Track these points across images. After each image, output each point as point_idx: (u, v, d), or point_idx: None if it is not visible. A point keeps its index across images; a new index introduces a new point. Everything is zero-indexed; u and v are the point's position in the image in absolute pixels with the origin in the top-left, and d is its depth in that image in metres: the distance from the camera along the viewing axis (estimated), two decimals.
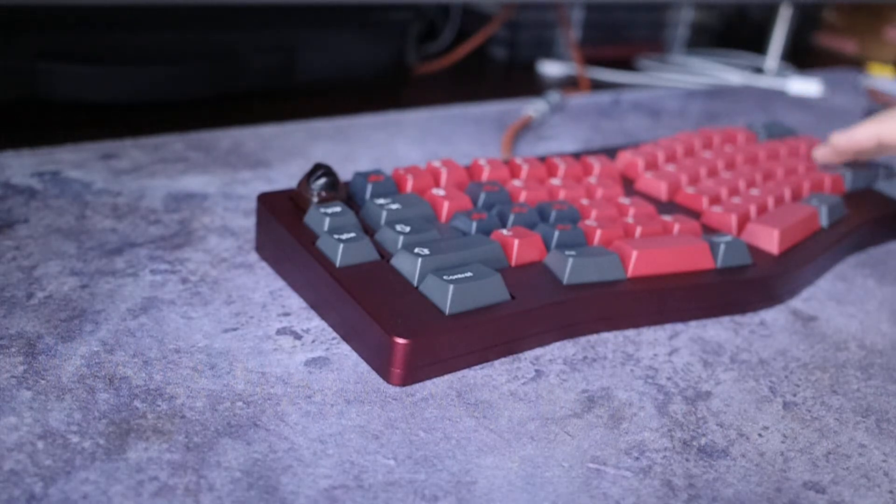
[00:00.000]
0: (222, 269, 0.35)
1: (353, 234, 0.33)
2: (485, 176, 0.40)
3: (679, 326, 0.35)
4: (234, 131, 0.51)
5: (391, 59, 0.65)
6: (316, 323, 0.32)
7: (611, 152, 0.47)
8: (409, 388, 0.29)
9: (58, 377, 0.28)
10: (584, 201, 0.39)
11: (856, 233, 0.43)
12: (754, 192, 0.43)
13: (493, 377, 0.30)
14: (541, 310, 0.32)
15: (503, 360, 0.31)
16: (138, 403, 0.27)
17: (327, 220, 0.34)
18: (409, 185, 0.38)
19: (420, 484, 0.25)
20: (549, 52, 0.81)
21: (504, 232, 0.34)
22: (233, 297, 0.34)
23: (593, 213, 0.38)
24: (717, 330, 0.35)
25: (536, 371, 0.31)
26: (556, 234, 0.35)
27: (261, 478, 0.25)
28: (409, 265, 0.32)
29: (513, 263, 0.34)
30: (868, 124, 0.47)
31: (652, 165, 0.45)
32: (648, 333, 0.34)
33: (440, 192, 0.37)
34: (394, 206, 0.35)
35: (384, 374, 0.29)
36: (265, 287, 0.35)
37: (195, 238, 0.38)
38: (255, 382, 0.29)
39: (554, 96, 0.62)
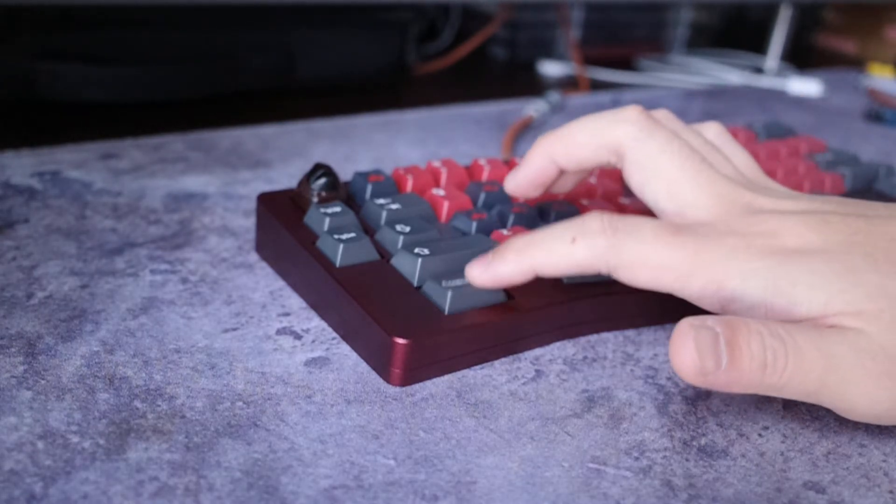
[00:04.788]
0: (222, 269, 0.35)
1: (353, 234, 0.33)
2: (485, 176, 0.40)
3: None
4: (234, 131, 0.51)
5: (391, 59, 0.65)
6: (316, 323, 0.32)
7: None
8: (409, 388, 0.29)
9: (58, 377, 0.28)
10: (584, 201, 0.39)
11: None
12: None
13: (493, 377, 0.30)
14: (541, 310, 0.32)
15: (503, 360, 0.31)
16: (138, 403, 0.27)
17: (327, 220, 0.34)
18: (409, 185, 0.38)
19: (420, 484, 0.25)
20: (549, 52, 0.81)
21: (504, 232, 0.34)
22: (233, 297, 0.34)
23: None
24: None
25: (536, 371, 0.31)
26: None
27: (261, 478, 0.25)
28: (409, 265, 0.32)
29: None
30: (535, 148, 0.34)
31: None
32: (648, 333, 0.34)
33: (440, 192, 0.37)
34: (394, 206, 0.35)
35: (384, 374, 0.29)
36: (265, 287, 0.35)
37: (195, 238, 0.38)
38: (255, 382, 0.29)
39: (554, 96, 0.62)
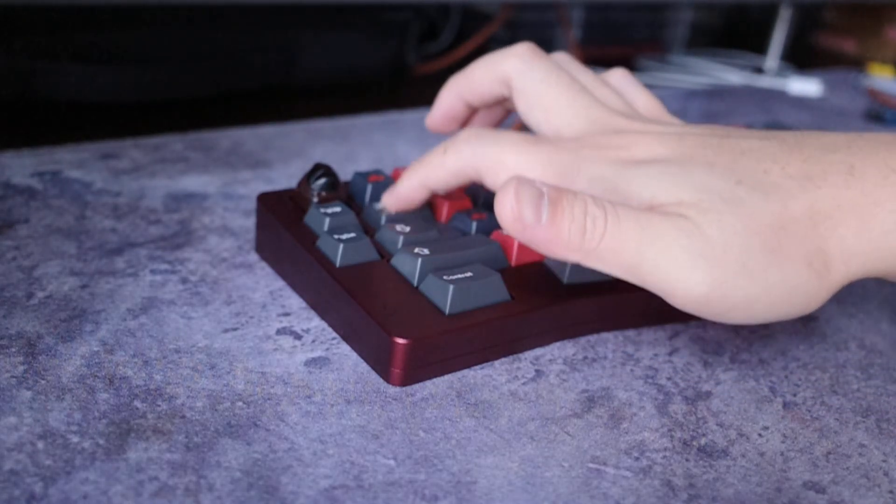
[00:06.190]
0: (222, 269, 0.35)
1: (353, 234, 0.33)
2: None
3: (679, 326, 0.35)
4: (234, 131, 0.51)
5: (391, 59, 0.65)
6: (316, 323, 0.32)
7: None
8: (409, 388, 0.29)
9: (58, 377, 0.28)
10: None
11: None
12: None
13: (493, 377, 0.30)
14: (541, 310, 0.32)
15: (503, 360, 0.31)
16: (138, 403, 0.27)
17: (327, 220, 0.34)
18: None
19: (420, 484, 0.25)
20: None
21: (504, 232, 0.34)
22: (233, 297, 0.34)
23: None
24: (717, 330, 0.35)
25: (536, 371, 0.31)
26: None
27: (261, 478, 0.25)
28: (409, 265, 0.32)
29: (513, 263, 0.34)
30: (444, 87, 0.38)
31: None
32: (648, 333, 0.34)
33: None
34: None
35: (384, 374, 0.29)
36: (265, 287, 0.35)
37: (195, 238, 0.38)
38: (255, 382, 0.29)
39: None
